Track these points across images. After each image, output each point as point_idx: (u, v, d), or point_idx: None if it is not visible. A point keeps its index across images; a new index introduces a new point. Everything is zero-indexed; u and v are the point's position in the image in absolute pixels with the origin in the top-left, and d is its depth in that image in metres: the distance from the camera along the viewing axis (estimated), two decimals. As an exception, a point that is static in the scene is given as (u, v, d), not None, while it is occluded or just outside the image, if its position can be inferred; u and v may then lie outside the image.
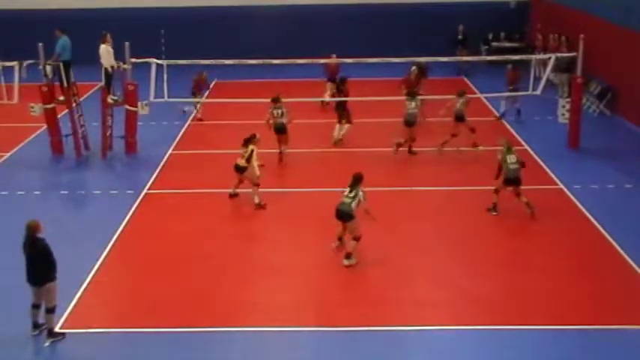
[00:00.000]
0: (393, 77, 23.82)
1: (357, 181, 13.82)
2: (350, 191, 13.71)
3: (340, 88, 22.08)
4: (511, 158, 15.53)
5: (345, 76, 22.37)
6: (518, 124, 22.10)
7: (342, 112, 20.66)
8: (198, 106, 23.21)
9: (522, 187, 15.59)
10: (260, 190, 16.49)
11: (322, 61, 22.87)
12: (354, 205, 13.55)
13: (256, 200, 16.26)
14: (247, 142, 16.40)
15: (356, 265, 13.57)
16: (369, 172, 18.06)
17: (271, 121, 18.97)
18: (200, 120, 23.11)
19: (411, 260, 13.85)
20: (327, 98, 23.54)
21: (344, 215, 13.63)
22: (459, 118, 19.53)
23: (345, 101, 20.99)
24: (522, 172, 15.67)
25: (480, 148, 19.38)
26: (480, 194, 16.71)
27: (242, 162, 16.26)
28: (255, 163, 16.25)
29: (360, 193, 13.66)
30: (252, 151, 16.26)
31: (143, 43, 22.74)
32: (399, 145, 19.45)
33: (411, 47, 24.98)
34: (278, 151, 18.98)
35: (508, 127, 21.98)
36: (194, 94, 23.27)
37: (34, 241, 11.02)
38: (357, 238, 13.62)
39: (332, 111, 21.40)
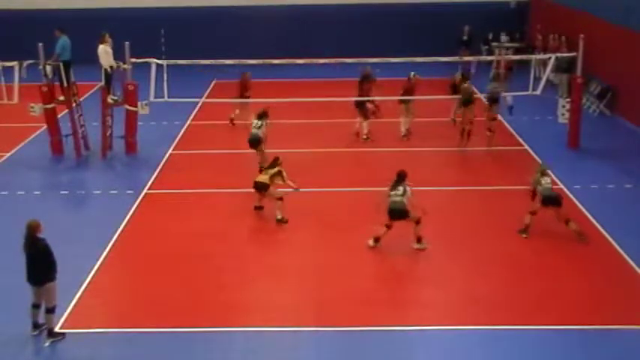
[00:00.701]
0: (393, 77, 23.79)
1: (401, 178, 14.07)
2: (397, 188, 13.92)
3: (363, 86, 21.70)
4: (546, 180, 14.78)
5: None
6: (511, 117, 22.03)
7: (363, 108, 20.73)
8: (237, 111, 22.23)
9: (523, 188, 15.53)
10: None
11: (350, 60, 22.17)
12: (405, 200, 13.85)
13: (279, 216, 15.48)
14: (274, 164, 15.85)
15: (357, 266, 13.57)
16: (370, 172, 18.21)
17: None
18: (232, 122, 22.34)
19: (411, 260, 13.86)
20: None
21: (402, 214, 13.86)
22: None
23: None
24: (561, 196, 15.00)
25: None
26: (480, 194, 16.72)
27: (264, 178, 15.57)
28: (289, 182, 15.91)
29: (408, 189, 13.94)
30: (279, 172, 15.67)
31: (143, 43, 22.74)
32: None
33: (411, 47, 24.98)
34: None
35: (507, 126, 21.96)
36: (241, 96, 21.97)
37: (35, 240, 11.02)
38: (418, 222, 14.00)
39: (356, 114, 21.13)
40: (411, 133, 20.77)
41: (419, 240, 14.05)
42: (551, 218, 15.21)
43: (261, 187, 15.56)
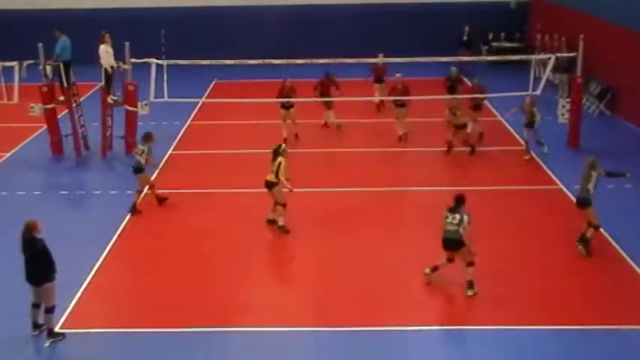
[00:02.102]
0: (391, 77, 23.80)
1: (460, 202, 12.48)
2: (453, 215, 12.37)
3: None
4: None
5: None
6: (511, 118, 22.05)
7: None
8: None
9: (523, 188, 15.48)
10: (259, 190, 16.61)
11: (370, 60, 22.09)
12: (461, 230, 12.33)
13: (280, 222, 14.95)
14: (276, 154, 14.86)
15: (357, 266, 13.56)
16: (370, 172, 18.21)
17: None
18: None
19: (411, 260, 13.83)
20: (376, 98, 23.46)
21: (454, 244, 12.40)
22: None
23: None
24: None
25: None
26: (480, 194, 16.70)
27: (271, 177, 14.76)
28: (282, 177, 14.65)
29: (465, 217, 12.35)
30: (279, 164, 14.68)
31: (143, 43, 22.77)
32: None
33: (411, 47, 24.95)
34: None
35: (508, 127, 21.97)
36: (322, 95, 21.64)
37: (33, 241, 11.01)
38: (472, 264, 12.48)
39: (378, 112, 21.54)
40: (408, 135, 20.66)
41: (470, 285, 12.47)
42: (551, 218, 15.24)
43: (269, 186, 14.90)
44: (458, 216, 12.38)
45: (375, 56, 22.50)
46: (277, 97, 20.81)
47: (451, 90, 21.76)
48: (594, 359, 10.84)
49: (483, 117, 20.76)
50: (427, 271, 12.88)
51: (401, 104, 20.61)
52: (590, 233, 13.82)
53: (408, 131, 20.64)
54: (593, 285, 12.88)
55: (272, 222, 15.20)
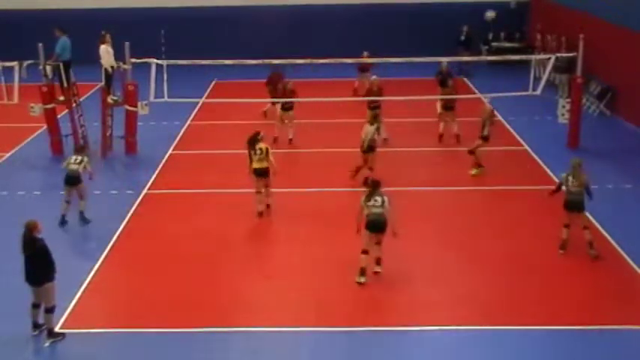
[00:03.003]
0: (391, 77, 23.83)
1: (377, 186, 13.07)
2: (375, 199, 12.83)
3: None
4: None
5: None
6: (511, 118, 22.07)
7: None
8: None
9: (523, 188, 15.48)
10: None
11: (350, 61, 21.87)
12: (386, 213, 12.84)
13: (269, 200, 15.87)
14: (254, 142, 15.63)
15: (357, 267, 13.55)
16: (370, 172, 18.18)
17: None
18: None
19: (411, 260, 13.85)
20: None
21: (383, 225, 12.84)
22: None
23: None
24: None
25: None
26: (480, 194, 16.72)
27: (263, 164, 15.49)
28: (272, 158, 15.58)
29: (386, 198, 12.88)
30: (267, 149, 15.58)
31: (143, 43, 22.75)
32: None
33: (411, 47, 24.98)
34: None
35: (507, 126, 21.98)
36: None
37: (33, 241, 11.02)
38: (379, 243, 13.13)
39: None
40: (388, 139, 20.24)
41: (378, 262, 13.14)
42: (550, 218, 15.22)
43: (264, 173, 15.51)
44: (379, 199, 12.82)
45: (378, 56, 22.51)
46: (271, 93, 21.47)
47: (443, 84, 21.80)
48: (594, 359, 10.85)
49: (459, 117, 20.67)
50: (360, 279, 12.83)
51: (375, 106, 20.25)
52: (591, 235, 13.82)
53: (387, 137, 20.30)
54: (592, 285, 12.89)
55: (262, 214, 15.73)
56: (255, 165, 15.60)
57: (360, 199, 13.16)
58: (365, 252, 12.87)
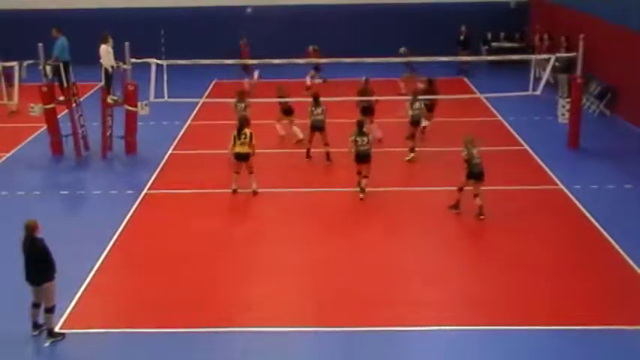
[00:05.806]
0: (392, 77, 23.86)
1: (362, 126, 16.63)
2: (362, 138, 16.39)
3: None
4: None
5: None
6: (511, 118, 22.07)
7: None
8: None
9: (523, 188, 15.50)
10: (259, 190, 16.77)
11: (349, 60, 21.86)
12: (370, 148, 16.58)
13: (255, 187, 16.85)
14: (242, 127, 16.77)
15: (357, 266, 13.57)
16: (370, 172, 18.16)
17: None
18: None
19: (411, 260, 13.85)
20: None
21: (368, 158, 16.46)
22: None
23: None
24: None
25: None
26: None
27: (245, 148, 16.64)
28: (254, 142, 16.72)
29: (370, 137, 16.69)
30: (251, 134, 16.71)
31: (143, 43, 22.74)
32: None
33: (410, 47, 25.00)
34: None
35: (507, 126, 21.98)
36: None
37: (33, 240, 11.02)
38: (367, 177, 16.62)
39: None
40: (381, 139, 20.09)
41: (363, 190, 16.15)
42: (551, 218, 15.24)
43: (245, 157, 16.66)
44: (366, 138, 16.38)
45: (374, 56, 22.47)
46: (278, 100, 20.79)
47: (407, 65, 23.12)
48: (594, 359, 10.85)
49: (437, 117, 20.67)
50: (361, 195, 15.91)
51: (366, 107, 20.25)
52: (481, 201, 15.35)
53: (381, 137, 20.25)
54: (593, 285, 12.88)
55: (235, 191, 16.91)
56: (238, 149, 16.70)
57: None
58: (359, 173, 16.55)
